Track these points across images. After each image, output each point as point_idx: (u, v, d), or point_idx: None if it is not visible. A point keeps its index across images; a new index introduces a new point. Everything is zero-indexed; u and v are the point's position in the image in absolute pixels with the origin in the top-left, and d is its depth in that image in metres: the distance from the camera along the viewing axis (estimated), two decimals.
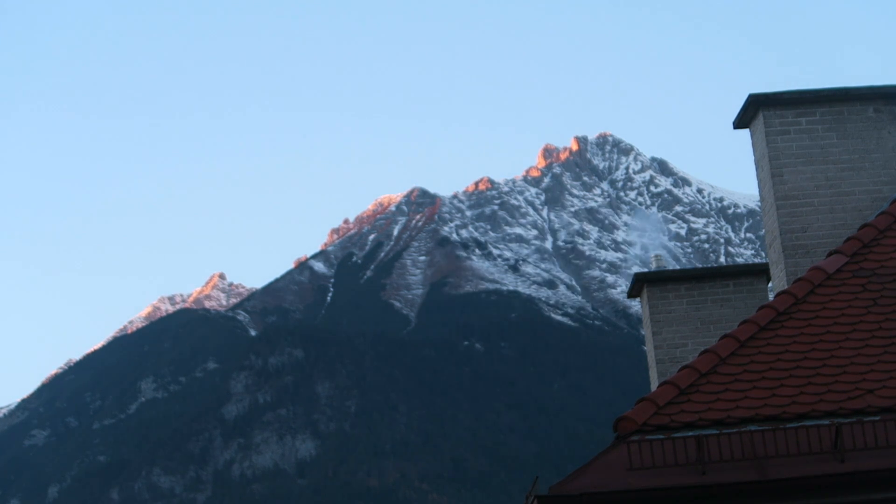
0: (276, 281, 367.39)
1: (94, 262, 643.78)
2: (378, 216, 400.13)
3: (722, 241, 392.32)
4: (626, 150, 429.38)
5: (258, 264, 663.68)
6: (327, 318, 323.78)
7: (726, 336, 17.26)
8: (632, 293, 24.11)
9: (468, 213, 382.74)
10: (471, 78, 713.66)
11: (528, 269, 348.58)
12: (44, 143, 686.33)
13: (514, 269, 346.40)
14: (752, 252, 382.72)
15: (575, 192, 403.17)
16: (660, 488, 15.14)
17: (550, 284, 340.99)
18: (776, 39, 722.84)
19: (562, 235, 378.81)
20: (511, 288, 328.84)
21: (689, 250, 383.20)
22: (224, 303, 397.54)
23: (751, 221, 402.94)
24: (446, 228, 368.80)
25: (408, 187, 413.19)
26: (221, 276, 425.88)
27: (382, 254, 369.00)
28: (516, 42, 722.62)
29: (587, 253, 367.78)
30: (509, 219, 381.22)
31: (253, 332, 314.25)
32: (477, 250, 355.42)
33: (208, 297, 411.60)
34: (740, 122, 20.88)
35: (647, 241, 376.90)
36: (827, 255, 18.80)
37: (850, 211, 20.03)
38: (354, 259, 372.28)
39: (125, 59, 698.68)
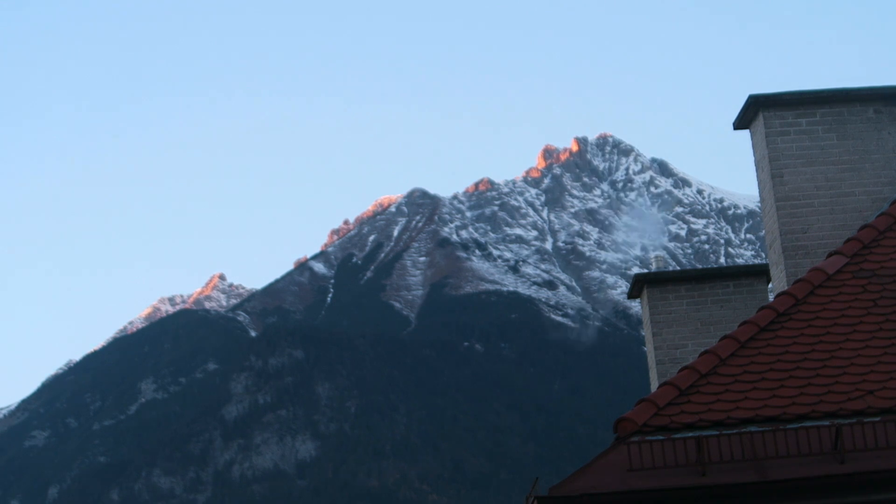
0: (276, 282, 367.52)
1: (94, 262, 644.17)
2: (378, 217, 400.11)
3: (722, 241, 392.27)
4: (626, 151, 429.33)
5: (258, 265, 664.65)
6: (327, 319, 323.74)
7: (726, 337, 17.25)
8: (632, 294, 24.10)
9: (468, 214, 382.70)
10: (471, 78, 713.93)
11: (528, 269, 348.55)
12: (43, 143, 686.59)
13: (514, 269, 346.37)
14: (753, 253, 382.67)
15: (575, 192, 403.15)
16: (660, 489, 15.14)
17: (550, 285, 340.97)
18: (776, 39, 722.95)
19: (562, 236, 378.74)
20: (511, 289, 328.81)
21: (689, 251, 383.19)
22: (224, 304, 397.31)
23: (751, 222, 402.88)
24: (446, 229, 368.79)
25: (408, 188, 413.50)
26: (221, 277, 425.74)
27: (382, 255, 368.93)
28: (516, 42, 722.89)
29: (587, 254, 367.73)
30: (509, 220, 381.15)
31: (253, 333, 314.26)
32: (477, 251, 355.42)
33: (208, 297, 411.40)
34: (740, 123, 20.86)
35: (647, 242, 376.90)
36: (827, 256, 18.79)
37: (850, 212, 20.02)
38: (354, 260, 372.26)
39: (124, 58, 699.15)
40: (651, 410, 16.04)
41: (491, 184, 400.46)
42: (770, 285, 23.04)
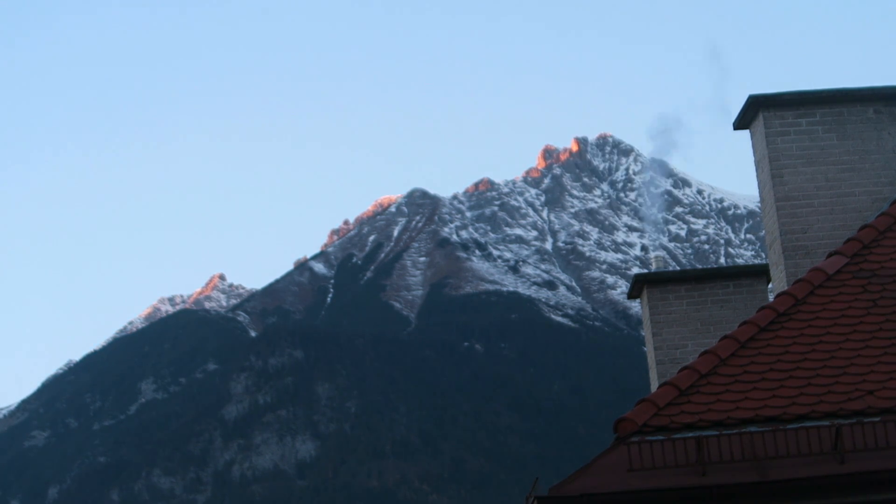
0: (276, 282, 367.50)
1: (95, 262, 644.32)
2: (378, 217, 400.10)
3: (722, 242, 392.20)
4: (626, 151, 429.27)
5: (258, 265, 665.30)
6: (327, 319, 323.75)
7: (726, 337, 17.23)
8: (632, 294, 24.08)
9: (468, 214, 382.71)
10: (471, 78, 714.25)
11: (528, 270, 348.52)
12: (43, 143, 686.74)
13: (514, 270, 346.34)
14: (753, 253, 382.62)
15: (575, 192, 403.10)
16: (660, 489, 15.12)
17: (550, 285, 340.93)
18: (776, 39, 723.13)
19: (562, 236, 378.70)
20: (511, 289, 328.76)
21: (689, 251, 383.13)
22: (224, 304, 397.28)
23: (751, 222, 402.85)
24: (446, 229, 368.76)
25: (408, 188, 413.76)
26: (221, 277, 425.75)
27: (382, 255, 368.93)
28: (516, 42, 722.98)
29: (587, 254, 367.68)
30: (509, 220, 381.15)
31: (253, 333, 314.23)
32: (477, 251, 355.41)
33: (208, 297, 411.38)
34: (740, 124, 20.83)
35: (647, 242, 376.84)
36: (827, 256, 18.77)
37: (850, 212, 20.00)
38: (354, 260, 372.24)
39: (125, 60, 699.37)
40: (651, 410, 16.03)
41: (491, 184, 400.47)
42: (770, 285, 23.02)
